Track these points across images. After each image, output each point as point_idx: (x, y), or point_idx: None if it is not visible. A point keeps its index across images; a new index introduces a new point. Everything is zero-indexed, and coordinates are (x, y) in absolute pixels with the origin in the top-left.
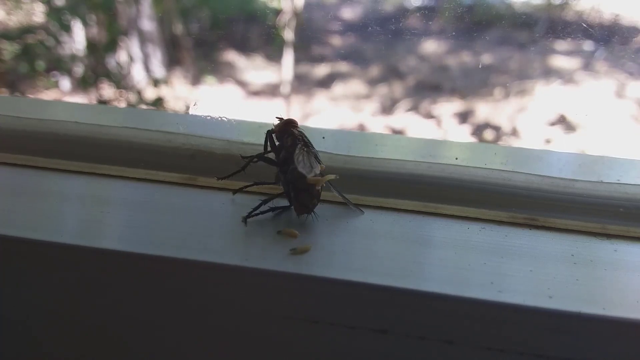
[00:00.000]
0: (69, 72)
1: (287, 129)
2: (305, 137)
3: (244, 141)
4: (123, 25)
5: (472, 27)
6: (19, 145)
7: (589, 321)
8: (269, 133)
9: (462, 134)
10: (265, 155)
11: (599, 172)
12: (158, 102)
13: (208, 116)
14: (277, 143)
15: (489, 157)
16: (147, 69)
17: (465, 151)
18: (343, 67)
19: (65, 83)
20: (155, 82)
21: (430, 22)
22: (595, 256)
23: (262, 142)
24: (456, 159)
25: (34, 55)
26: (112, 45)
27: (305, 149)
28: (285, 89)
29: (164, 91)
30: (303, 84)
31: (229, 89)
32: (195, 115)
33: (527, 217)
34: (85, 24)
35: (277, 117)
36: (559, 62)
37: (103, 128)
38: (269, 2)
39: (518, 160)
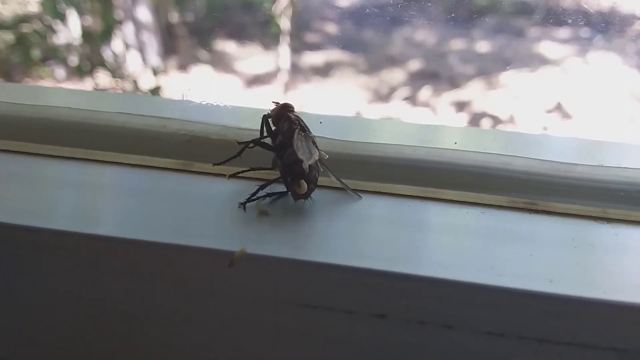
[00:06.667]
0: (64, 61)
1: (283, 114)
2: (302, 121)
3: (240, 126)
4: (118, 14)
5: (471, 12)
6: (11, 131)
7: (590, 305)
8: (265, 118)
9: (459, 123)
10: (262, 141)
11: (599, 156)
12: (154, 91)
13: (204, 102)
14: (273, 128)
15: (488, 142)
16: (143, 57)
17: (464, 136)
18: (339, 55)
19: (61, 72)
20: (151, 71)
21: (429, 4)
22: (596, 240)
23: (259, 127)
24: (455, 143)
25: (29, 45)
26: (107, 34)
27: (302, 134)
28: (282, 77)
29: (159, 80)
30: (299, 73)
31: (225, 77)
32: (191, 101)
33: (527, 201)
34: (81, 12)
35: (273, 102)
36: (556, 49)
37: (97, 114)
38: None
39: (517, 144)
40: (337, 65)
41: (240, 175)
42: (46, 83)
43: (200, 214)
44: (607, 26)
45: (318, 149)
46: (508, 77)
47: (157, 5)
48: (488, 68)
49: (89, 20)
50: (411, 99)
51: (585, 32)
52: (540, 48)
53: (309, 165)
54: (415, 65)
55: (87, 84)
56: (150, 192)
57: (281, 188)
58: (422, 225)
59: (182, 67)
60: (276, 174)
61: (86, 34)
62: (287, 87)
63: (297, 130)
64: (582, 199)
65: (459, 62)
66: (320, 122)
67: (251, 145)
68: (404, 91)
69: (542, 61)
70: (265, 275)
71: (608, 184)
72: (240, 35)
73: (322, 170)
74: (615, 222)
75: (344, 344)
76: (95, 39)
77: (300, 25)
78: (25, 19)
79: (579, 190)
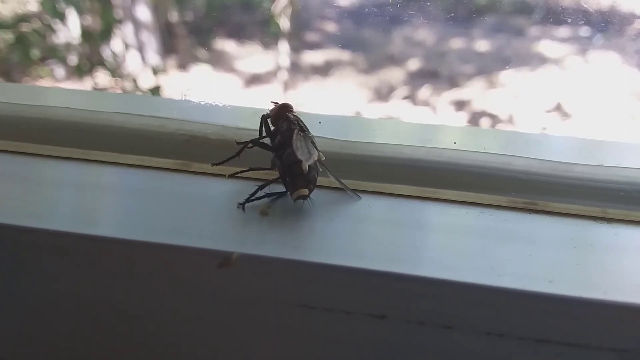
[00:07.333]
0: (63, 61)
1: (282, 114)
2: (301, 121)
3: (239, 126)
4: (118, 13)
5: (470, 12)
6: (10, 131)
7: (590, 305)
8: (263, 118)
9: (459, 122)
10: (261, 141)
11: (599, 156)
12: (154, 90)
13: (202, 101)
14: (272, 128)
15: (488, 142)
16: (143, 57)
17: (464, 136)
18: (339, 54)
19: (60, 71)
20: (151, 70)
21: (428, 3)
22: (596, 240)
23: (257, 127)
24: (454, 143)
25: (28, 44)
26: (106, 33)
27: (301, 134)
28: (282, 76)
29: (159, 79)
30: (299, 72)
31: (225, 77)
32: (190, 101)
33: (527, 201)
34: (80, 11)
35: (272, 102)
36: (556, 48)
37: (95, 114)
38: None
39: (517, 144)
40: (337, 64)
41: (239, 175)
42: (46, 82)
43: (199, 214)
44: (606, 25)
45: (317, 149)
46: (508, 77)
47: (156, 5)
48: (488, 67)
49: (89, 20)
50: (411, 98)
51: (585, 31)
52: (540, 47)
53: (308, 166)
54: (414, 64)
55: (86, 84)
56: (149, 192)
57: (280, 188)
58: (421, 225)
59: (182, 66)
60: (275, 174)
61: (86, 33)
62: (287, 86)
63: (296, 131)
64: (581, 199)
65: (459, 61)
66: (320, 122)
67: (250, 145)
68: (404, 90)
69: (542, 60)
70: (264, 275)
71: (608, 184)
72: (239, 34)
73: (321, 170)
74: (615, 222)
75: (343, 345)
76: (94, 39)
77: (300, 24)
78: (24, 18)
79: (579, 190)
